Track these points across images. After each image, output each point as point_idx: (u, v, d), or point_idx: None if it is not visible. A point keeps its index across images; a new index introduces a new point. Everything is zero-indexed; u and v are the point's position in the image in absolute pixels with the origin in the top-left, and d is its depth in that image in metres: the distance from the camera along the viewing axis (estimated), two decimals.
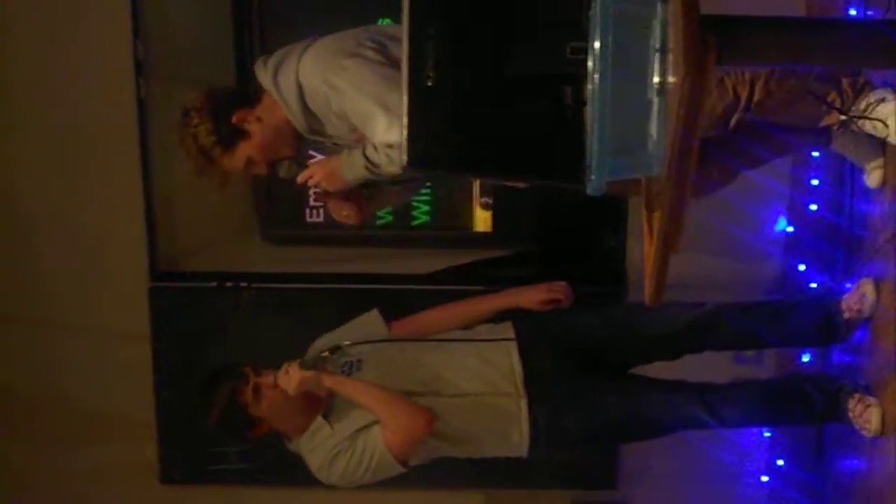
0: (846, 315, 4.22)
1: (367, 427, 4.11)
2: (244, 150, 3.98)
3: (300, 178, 4.00)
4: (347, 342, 4.26)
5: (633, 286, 5.03)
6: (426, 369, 4.21)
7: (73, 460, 5.66)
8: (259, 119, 3.98)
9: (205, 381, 4.23)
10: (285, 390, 4.10)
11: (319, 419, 4.19)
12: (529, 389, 4.18)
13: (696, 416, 4.23)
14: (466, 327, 4.38)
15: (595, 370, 4.27)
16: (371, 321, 4.38)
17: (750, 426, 4.60)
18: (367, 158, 3.88)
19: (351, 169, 3.94)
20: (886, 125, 3.90)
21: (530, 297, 4.37)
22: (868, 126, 3.96)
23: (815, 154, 4.60)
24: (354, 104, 3.84)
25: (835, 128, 4.10)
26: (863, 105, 3.99)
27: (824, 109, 4.06)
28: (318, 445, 4.18)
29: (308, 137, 4.04)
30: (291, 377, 4.07)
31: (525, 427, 4.18)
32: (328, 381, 4.11)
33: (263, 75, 3.98)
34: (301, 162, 4.05)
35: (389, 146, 3.77)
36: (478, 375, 4.19)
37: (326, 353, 4.18)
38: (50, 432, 5.65)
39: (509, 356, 4.23)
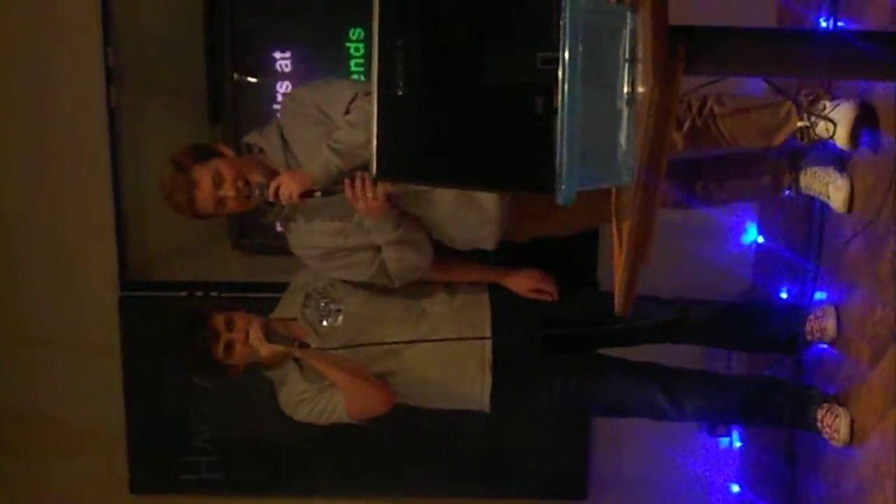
0: (808, 337, 4.31)
1: (332, 385, 4.28)
2: (216, 163, 4.09)
3: (270, 189, 4.02)
4: (331, 284, 4.35)
5: (605, 286, 5.04)
6: (392, 361, 4.31)
7: (44, 471, 5.63)
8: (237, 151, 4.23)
9: (179, 332, 4.37)
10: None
11: (292, 363, 4.33)
12: (495, 367, 4.31)
13: (657, 404, 4.33)
14: (447, 282, 4.46)
15: (561, 347, 4.36)
16: None
17: (710, 420, 4.64)
18: (328, 145, 4.02)
19: (316, 161, 4.04)
20: (835, 124, 3.94)
21: (519, 283, 4.48)
22: (820, 128, 4.00)
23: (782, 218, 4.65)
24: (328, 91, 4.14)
25: (785, 179, 4.26)
26: (818, 109, 4.04)
27: (781, 120, 4.11)
28: (287, 385, 4.35)
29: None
30: (259, 346, 4.21)
31: (486, 397, 4.32)
32: (296, 353, 4.26)
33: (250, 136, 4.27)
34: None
35: (347, 113, 4.02)
36: (444, 369, 4.32)
37: (314, 292, 4.32)
38: (19, 443, 5.62)
39: (482, 351, 4.32)
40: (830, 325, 4.20)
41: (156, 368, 5.34)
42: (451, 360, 4.32)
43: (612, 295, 4.25)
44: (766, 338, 4.49)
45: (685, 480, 5.29)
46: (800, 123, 4.10)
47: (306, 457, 5.24)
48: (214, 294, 5.28)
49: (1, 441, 5.63)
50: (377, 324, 4.32)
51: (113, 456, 5.48)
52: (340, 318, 4.25)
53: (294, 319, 4.36)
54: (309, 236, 4.26)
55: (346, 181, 3.97)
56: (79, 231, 5.39)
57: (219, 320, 4.25)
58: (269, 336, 4.18)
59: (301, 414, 4.34)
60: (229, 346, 4.23)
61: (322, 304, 4.28)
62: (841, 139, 4.01)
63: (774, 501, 4.87)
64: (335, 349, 4.20)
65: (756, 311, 4.62)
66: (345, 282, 4.34)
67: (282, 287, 4.72)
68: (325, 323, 4.23)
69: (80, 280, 5.43)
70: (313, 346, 4.24)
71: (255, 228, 5.19)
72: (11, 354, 5.52)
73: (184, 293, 5.32)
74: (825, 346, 4.27)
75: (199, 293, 5.29)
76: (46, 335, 5.49)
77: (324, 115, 4.14)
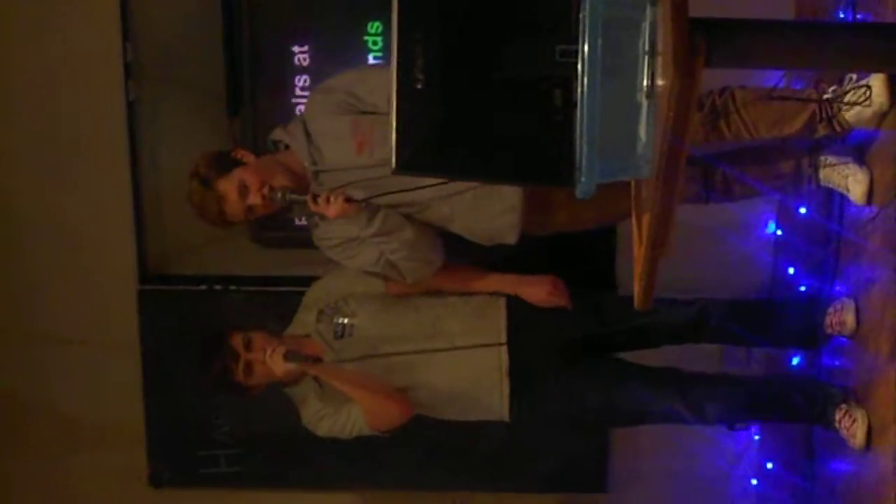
0: (827, 331, 4.29)
1: (351, 401, 4.30)
2: (239, 173, 4.16)
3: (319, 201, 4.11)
4: (343, 299, 4.39)
5: (623, 289, 5.03)
6: (408, 375, 4.32)
7: (63, 465, 5.64)
8: (258, 156, 4.27)
9: (197, 354, 4.39)
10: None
11: (310, 380, 4.34)
12: (512, 383, 4.30)
13: (678, 411, 4.35)
14: (462, 293, 4.47)
15: (580, 356, 4.38)
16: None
17: (731, 422, 4.64)
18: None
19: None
20: (869, 87, 3.94)
21: (533, 294, 4.44)
22: (850, 97, 4.01)
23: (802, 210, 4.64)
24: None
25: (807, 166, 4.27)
26: (846, 87, 4.05)
27: (801, 103, 4.11)
28: (306, 402, 4.38)
29: (310, 168, 4.21)
30: (275, 365, 4.21)
31: (505, 407, 4.33)
32: (312, 371, 4.26)
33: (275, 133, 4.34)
34: (296, 191, 4.15)
35: None
36: (461, 379, 4.32)
37: (326, 307, 4.39)
38: (39, 438, 5.63)
39: (498, 357, 4.31)
40: (850, 318, 4.18)
41: (175, 362, 5.34)
42: (467, 370, 4.32)
43: (629, 298, 4.31)
44: (785, 334, 4.49)
45: (704, 473, 5.28)
46: (824, 97, 4.09)
47: (325, 450, 5.23)
48: (234, 288, 5.29)
49: (21, 436, 5.64)
50: (391, 337, 4.34)
51: (132, 450, 5.49)
52: (354, 332, 4.31)
53: (308, 336, 4.38)
54: (327, 227, 4.30)
55: (309, 197, 4.09)
56: (97, 225, 5.40)
57: (237, 341, 4.27)
58: (287, 356, 4.19)
59: (323, 430, 4.37)
60: (249, 366, 4.26)
61: (335, 319, 4.35)
62: (857, 196, 4.10)
63: (793, 494, 4.86)
64: (351, 360, 4.25)
65: (774, 307, 4.63)
66: (358, 296, 4.37)
67: (301, 281, 4.73)
68: (338, 338, 4.28)
69: (98, 274, 5.44)
70: (328, 361, 4.27)
71: (274, 222, 5.16)
72: (30, 350, 5.53)
73: (203, 287, 5.33)
74: (845, 339, 4.25)
75: (217, 287, 5.30)
76: (65, 330, 5.50)
77: (355, 98, 4.17)
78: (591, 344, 4.40)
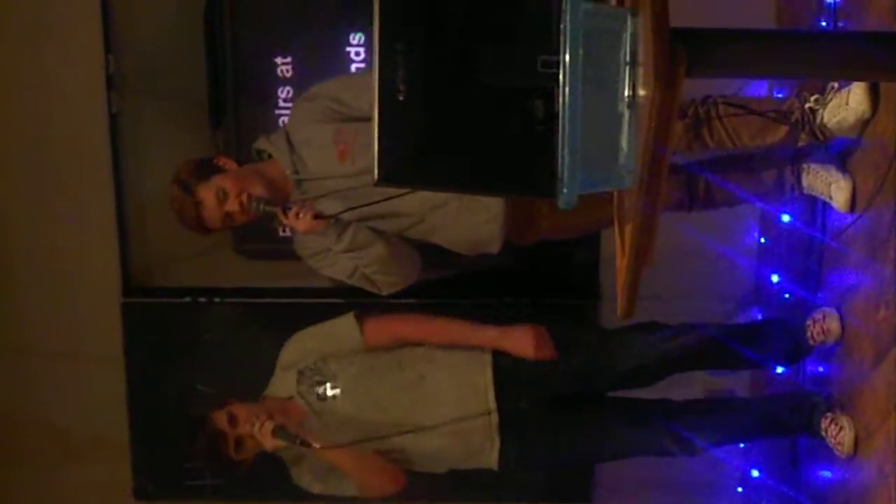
0: (811, 342, 4.28)
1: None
2: (218, 180, 4.20)
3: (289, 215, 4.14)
4: (322, 359, 4.31)
5: (608, 298, 5.03)
6: (401, 408, 4.28)
7: (48, 478, 5.62)
8: (240, 164, 4.30)
9: (182, 430, 4.38)
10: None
11: (299, 448, 4.25)
12: (502, 433, 4.27)
13: (666, 449, 4.35)
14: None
15: (566, 402, 4.35)
16: (345, 328, 4.40)
17: (722, 447, 4.64)
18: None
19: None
20: (853, 98, 3.98)
21: (517, 349, 4.34)
22: (832, 105, 4.04)
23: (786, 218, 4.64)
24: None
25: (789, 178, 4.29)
26: (828, 96, 4.06)
27: (784, 111, 4.12)
28: (297, 463, 4.34)
29: (292, 177, 4.24)
30: (264, 439, 4.16)
31: (494, 462, 4.31)
32: (305, 449, 4.20)
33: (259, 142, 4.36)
34: (271, 202, 4.18)
35: None
36: (450, 443, 4.28)
37: (306, 369, 4.30)
38: (23, 451, 5.61)
39: (488, 422, 4.27)
40: (835, 324, 4.18)
41: (159, 374, 5.33)
42: (459, 440, 4.27)
43: (614, 333, 4.31)
44: (767, 356, 4.44)
45: (689, 482, 5.28)
46: (806, 105, 4.11)
47: None
48: (218, 300, 5.28)
49: (5, 449, 5.62)
50: (375, 396, 4.27)
51: (116, 462, 5.47)
52: (338, 392, 4.25)
53: (290, 398, 4.32)
54: (307, 237, 4.30)
55: (279, 210, 4.12)
56: (80, 237, 5.39)
57: (221, 420, 4.20)
58: (275, 432, 4.12)
59: (316, 490, 4.40)
60: (239, 442, 4.21)
61: (316, 379, 4.29)
62: (840, 203, 4.11)
63: (778, 502, 4.87)
64: (341, 446, 4.20)
65: (754, 331, 4.55)
66: (337, 356, 4.33)
67: (285, 292, 4.74)
68: (321, 400, 4.25)
69: (82, 287, 5.43)
70: (314, 426, 4.26)
71: (257, 233, 5.18)
72: (14, 362, 5.51)
73: (187, 299, 5.32)
74: (833, 345, 4.24)
75: (201, 299, 5.29)
76: (49, 342, 5.48)
77: (340, 104, 4.19)
78: (577, 392, 4.38)
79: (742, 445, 5.17)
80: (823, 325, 4.21)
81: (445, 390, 4.28)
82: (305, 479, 4.37)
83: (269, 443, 4.15)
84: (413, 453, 4.30)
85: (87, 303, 5.42)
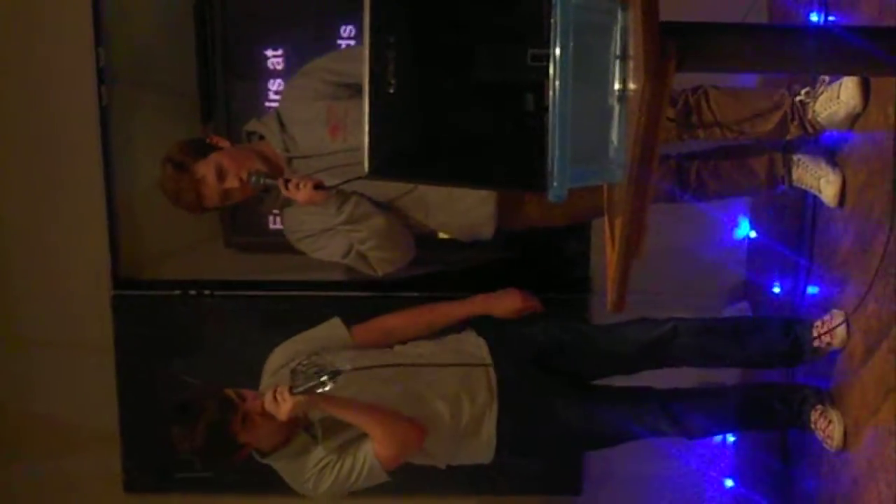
0: (815, 343, 4.19)
1: (353, 440, 4.14)
2: (216, 157, 4.19)
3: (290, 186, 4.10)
4: (315, 353, 4.22)
5: (598, 292, 5.04)
6: (409, 389, 4.22)
7: (38, 470, 5.61)
8: (233, 143, 4.28)
9: (181, 408, 4.15)
10: (274, 416, 4.02)
11: (301, 434, 4.18)
12: (500, 396, 4.23)
13: (660, 427, 4.30)
14: (431, 334, 4.40)
15: (558, 382, 4.32)
16: (333, 329, 4.38)
17: (714, 435, 4.63)
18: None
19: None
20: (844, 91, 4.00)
21: (505, 305, 4.38)
22: (823, 98, 4.05)
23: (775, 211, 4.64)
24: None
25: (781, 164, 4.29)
26: (819, 89, 4.07)
27: (774, 102, 4.13)
28: (303, 458, 4.17)
29: (283, 155, 4.23)
30: (282, 404, 3.96)
31: (492, 438, 4.24)
32: (322, 403, 4.04)
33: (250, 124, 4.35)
34: (271, 176, 4.15)
35: None
36: (457, 394, 4.22)
37: (299, 366, 4.07)
38: (13, 443, 5.61)
39: (486, 377, 4.26)
40: (841, 329, 4.09)
41: (149, 367, 5.33)
42: (462, 391, 4.21)
43: (603, 327, 4.29)
44: (764, 353, 4.36)
45: (679, 475, 5.29)
46: (797, 98, 4.12)
47: None
48: (208, 293, 5.28)
49: None
50: (376, 372, 4.18)
51: (107, 455, 5.47)
52: (339, 377, 4.01)
53: (315, 380, 4.20)
54: (300, 217, 4.30)
55: (281, 181, 4.09)
56: (71, 230, 5.38)
57: (230, 394, 4.09)
58: (292, 389, 3.92)
59: (325, 483, 4.15)
60: (246, 418, 4.06)
61: (313, 371, 4.03)
62: (829, 197, 4.12)
63: (768, 496, 4.88)
64: (367, 368, 4.11)
65: (751, 326, 4.49)
66: (330, 349, 4.26)
67: (276, 285, 4.74)
68: (327, 386, 3.96)
69: (72, 279, 5.42)
70: (317, 416, 4.13)
71: (248, 226, 5.19)
72: (4, 354, 5.51)
73: (177, 292, 5.32)
74: (837, 351, 4.19)
75: (192, 292, 5.29)
76: (39, 335, 5.48)
77: (334, 74, 4.18)
78: (568, 373, 4.36)
79: (732, 438, 5.19)
80: (832, 324, 4.13)
81: (443, 358, 4.26)
82: (312, 470, 4.14)
83: (289, 403, 3.92)
84: (426, 415, 4.17)
85: (78, 295, 5.41)
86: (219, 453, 4.14)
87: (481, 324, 4.40)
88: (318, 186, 4.09)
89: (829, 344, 4.17)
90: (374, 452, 4.09)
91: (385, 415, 4.10)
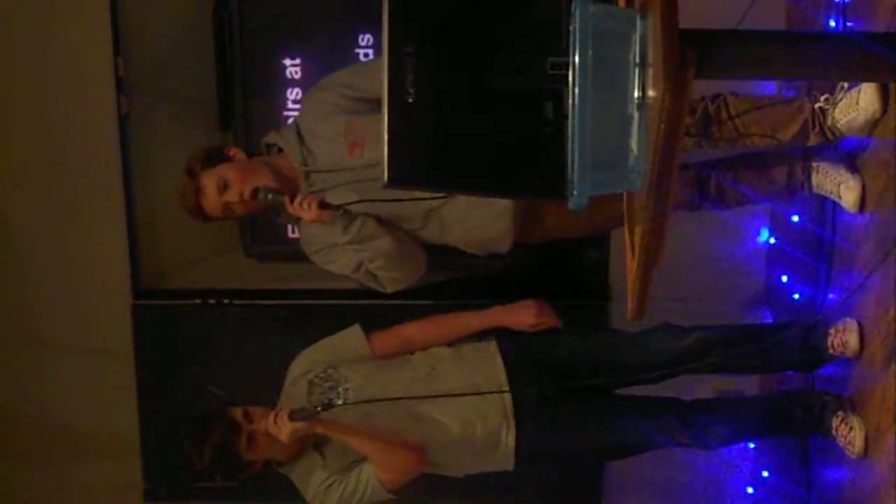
0: (830, 352, 4.21)
1: (359, 460, 4.18)
2: (223, 169, 4.20)
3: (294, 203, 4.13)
4: (332, 366, 4.29)
5: (617, 299, 5.03)
6: (413, 423, 4.23)
7: (57, 479, 5.63)
8: (250, 155, 4.27)
9: (192, 428, 4.22)
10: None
11: (312, 452, 4.23)
12: (517, 417, 4.23)
13: (679, 438, 4.30)
14: (450, 342, 4.40)
15: (577, 392, 4.31)
16: (353, 338, 4.39)
17: (734, 444, 4.62)
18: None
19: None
20: (863, 98, 3.97)
21: (520, 319, 4.39)
22: (842, 106, 4.03)
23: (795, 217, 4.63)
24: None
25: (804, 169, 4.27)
26: (838, 96, 4.06)
27: (794, 110, 4.12)
28: (311, 476, 4.24)
29: (301, 169, 4.22)
30: (281, 428, 4.04)
31: (511, 453, 4.26)
32: (320, 429, 4.12)
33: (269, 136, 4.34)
34: (279, 191, 4.17)
35: None
36: (466, 423, 4.23)
37: (315, 378, 4.22)
38: (33, 452, 5.62)
39: (502, 402, 4.25)
40: (854, 338, 4.10)
41: (169, 376, 5.34)
42: (473, 414, 4.23)
43: (626, 337, 4.28)
44: (783, 359, 4.38)
45: (700, 483, 5.28)
46: (816, 105, 4.11)
47: None
48: (227, 302, 5.28)
49: (15, 449, 5.63)
50: (387, 391, 4.21)
51: (127, 463, 5.47)
52: (350, 394, 4.18)
53: (311, 406, 4.22)
54: (313, 230, 4.30)
55: (286, 199, 4.11)
56: (91, 239, 5.39)
57: (237, 413, 4.16)
58: (292, 415, 4.02)
59: (332, 500, 4.22)
60: (252, 438, 4.13)
61: (328, 385, 4.23)
62: (849, 203, 4.11)
63: (789, 503, 4.86)
64: (357, 403, 4.14)
65: (770, 333, 4.50)
66: (346, 362, 4.30)
67: (295, 294, 4.75)
68: (335, 403, 4.11)
69: (92, 288, 5.43)
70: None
71: (267, 236, 5.19)
72: (25, 363, 5.52)
73: (197, 301, 5.33)
74: (849, 359, 4.21)
75: (212, 301, 5.29)
76: (60, 344, 5.48)
77: (352, 89, 4.18)
78: (589, 385, 4.34)
79: (752, 445, 5.18)
80: (843, 336, 4.15)
81: (456, 378, 4.26)
82: (320, 488, 4.23)
83: (287, 428, 4.02)
84: (430, 439, 4.21)
85: (98, 305, 5.42)
86: (228, 470, 4.26)
87: (502, 334, 4.40)
88: (323, 205, 4.10)
89: (842, 353, 4.18)
90: (376, 476, 4.16)
91: (384, 442, 4.15)
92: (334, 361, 4.31)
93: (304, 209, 4.08)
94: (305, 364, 4.37)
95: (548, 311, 4.40)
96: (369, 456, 4.15)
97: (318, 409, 4.04)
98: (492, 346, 4.35)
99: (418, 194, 4.04)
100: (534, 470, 4.64)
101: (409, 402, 4.19)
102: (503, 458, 4.28)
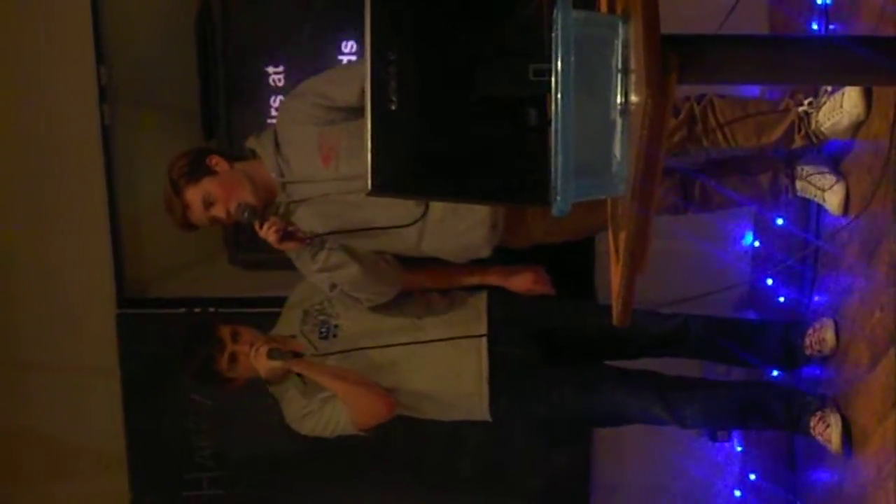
0: (807, 351, 4.30)
1: (334, 398, 4.32)
2: (207, 184, 4.19)
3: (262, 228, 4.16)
4: (328, 299, 4.41)
5: (602, 300, 5.03)
6: (389, 372, 4.35)
7: (46, 492, 5.62)
8: (232, 165, 4.24)
9: (182, 341, 4.43)
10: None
11: (294, 376, 4.35)
12: (492, 382, 4.32)
13: (656, 414, 4.36)
14: (445, 289, 4.51)
15: (560, 357, 4.41)
16: None
17: (708, 427, 4.66)
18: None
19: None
20: (846, 101, 3.98)
21: (518, 283, 4.51)
22: (826, 109, 4.04)
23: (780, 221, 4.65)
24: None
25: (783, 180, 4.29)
26: (822, 99, 4.06)
27: (779, 113, 4.12)
28: (290, 401, 4.39)
29: (277, 179, 4.21)
30: (259, 362, 4.26)
31: (485, 409, 4.35)
32: (296, 368, 4.30)
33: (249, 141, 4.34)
34: (257, 210, 4.19)
35: None
36: (441, 377, 4.35)
37: (311, 307, 4.42)
38: (19, 465, 5.60)
39: (478, 352, 4.34)
40: (830, 336, 4.19)
41: (155, 385, 5.33)
42: (448, 364, 4.34)
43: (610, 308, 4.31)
44: (764, 352, 4.48)
45: (687, 486, 5.28)
46: (800, 109, 4.11)
47: (307, 471, 5.23)
48: (213, 310, 5.27)
49: (1, 463, 5.61)
50: (373, 333, 4.36)
51: (114, 474, 5.46)
52: (339, 332, 4.33)
53: (293, 336, 4.40)
54: None
55: (256, 224, 4.15)
56: (75, 249, 5.38)
57: (225, 331, 4.33)
58: (270, 353, 4.23)
59: (307, 428, 4.39)
60: (233, 357, 4.30)
61: (320, 318, 4.38)
62: (833, 206, 4.13)
63: None
64: (331, 354, 4.29)
65: (754, 326, 4.64)
66: (343, 297, 4.36)
67: (280, 301, 4.72)
68: (323, 338, 4.33)
69: (77, 299, 5.43)
70: (310, 357, 4.30)
71: (252, 243, 5.17)
72: (9, 375, 5.51)
73: (182, 310, 5.32)
74: (824, 357, 4.26)
75: (197, 309, 5.29)
76: (44, 355, 5.48)
77: (325, 99, 4.18)
78: (572, 350, 4.42)
79: (740, 448, 5.18)
80: (820, 334, 4.23)
81: (438, 331, 4.36)
82: (297, 415, 4.38)
83: (264, 364, 4.24)
84: (405, 382, 4.34)
85: (83, 314, 5.42)
86: (213, 383, 4.44)
87: (494, 293, 4.49)
88: (286, 235, 4.15)
89: (819, 351, 4.24)
90: (346, 414, 4.30)
91: (356, 385, 4.29)
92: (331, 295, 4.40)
93: (269, 237, 4.15)
94: (305, 292, 4.51)
95: (545, 278, 4.52)
96: (341, 397, 4.29)
97: (293, 357, 4.27)
98: (481, 303, 4.44)
99: (394, 219, 4.13)
100: (515, 430, 4.72)
101: (387, 352, 4.32)
102: (477, 408, 4.37)
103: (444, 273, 4.49)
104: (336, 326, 4.38)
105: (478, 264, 4.48)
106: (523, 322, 4.43)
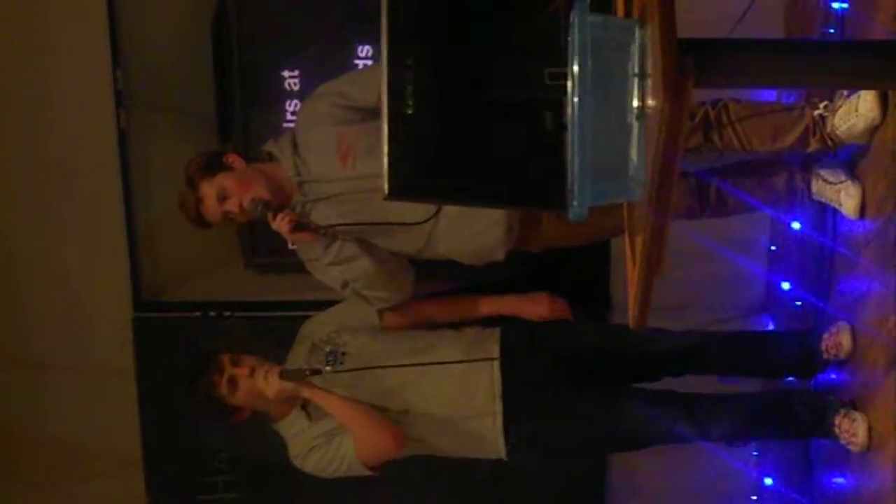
0: (824, 356, 4.29)
1: (343, 430, 4.26)
2: (222, 179, 4.21)
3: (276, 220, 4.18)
4: (336, 331, 4.40)
5: (618, 308, 5.03)
6: (400, 394, 4.29)
7: (61, 496, 5.62)
8: (249, 163, 4.28)
9: (187, 370, 4.37)
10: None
11: (299, 410, 4.33)
12: (507, 406, 4.26)
13: (682, 431, 4.32)
14: (457, 323, 4.47)
15: (580, 382, 4.34)
16: (364, 308, 4.46)
17: (736, 439, 4.64)
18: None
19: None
20: (862, 104, 3.98)
21: (533, 310, 4.50)
22: (841, 113, 4.04)
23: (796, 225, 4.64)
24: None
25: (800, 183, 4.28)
26: (838, 103, 4.06)
27: (794, 117, 4.12)
28: (295, 435, 4.34)
29: (294, 179, 4.24)
30: (270, 383, 4.22)
31: (500, 440, 4.27)
32: (306, 393, 4.25)
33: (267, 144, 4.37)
34: (271, 205, 4.19)
35: None
36: (453, 399, 4.28)
37: (319, 341, 4.38)
38: (35, 468, 5.61)
39: (490, 375, 4.28)
40: (846, 340, 4.17)
41: (171, 389, 5.32)
42: (459, 389, 4.28)
43: (632, 333, 4.30)
44: (781, 362, 4.47)
45: (703, 491, 5.27)
46: (815, 112, 4.11)
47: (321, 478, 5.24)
48: (228, 314, 5.28)
49: (18, 467, 5.62)
50: (383, 360, 4.32)
51: (130, 478, 5.46)
52: (346, 360, 4.31)
53: (301, 369, 4.33)
54: (302, 244, 4.38)
55: (270, 215, 4.17)
56: (91, 253, 5.39)
57: (225, 358, 4.28)
58: (282, 374, 4.20)
59: (311, 463, 4.33)
60: (233, 381, 4.24)
61: (328, 350, 4.35)
62: (849, 209, 4.11)
63: None
64: (341, 372, 4.26)
65: (770, 336, 4.63)
66: (351, 328, 4.38)
67: (296, 305, 4.75)
68: (330, 367, 4.28)
69: (93, 302, 5.43)
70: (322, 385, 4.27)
71: (268, 247, 5.19)
72: (26, 379, 5.51)
73: (198, 313, 5.32)
74: (841, 362, 4.25)
75: (212, 313, 5.29)
76: (60, 358, 5.48)
77: (345, 98, 4.20)
78: (593, 374, 4.38)
79: (756, 453, 5.18)
80: (836, 338, 4.22)
81: (451, 357, 4.32)
82: (302, 449, 4.32)
83: (276, 385, 4.20)
84: (416, 405, 4.28)
85: (99, 318, 5.42)
86: (216, 414, 4.37)
87: (508, 324, 4.45)
88: (298, 226, 4.16)
89: (836, 355, 4.22)
90: (354, 450, 4.24)
91: (365, 418, 4.23)
92: (340, 327, 4.42)
93: (282, 228, 4.16)
94: (313, 326, 4.50)
95: (561, 303, 4.50)
96: (349, 427, 4.24)
97: (307, 373, 4.21)
98: (495, 334, 4.38)
99: (408, 216, 4.12)
100: (533, 465, 4.65)
101: (399, 372, 4.28)
102: (491, 444, 4.30)
103: (455, 302, 4.49)
104: (344, 354, 4.34)
105: (490, 294, 4.49)
106: (540, 347, 4.38)
